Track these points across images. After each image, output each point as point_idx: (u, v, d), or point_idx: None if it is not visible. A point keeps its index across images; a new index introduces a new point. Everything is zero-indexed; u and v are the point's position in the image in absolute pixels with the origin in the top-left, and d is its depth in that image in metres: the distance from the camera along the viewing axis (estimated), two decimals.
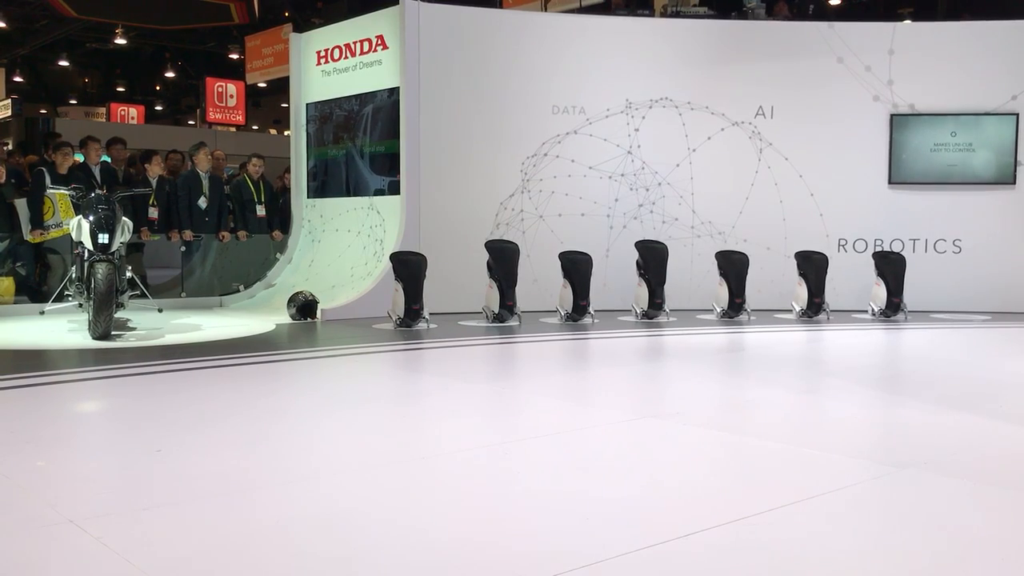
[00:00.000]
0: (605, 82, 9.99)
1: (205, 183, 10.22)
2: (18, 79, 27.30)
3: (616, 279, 9.76)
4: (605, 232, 10.03)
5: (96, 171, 9.52)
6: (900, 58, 10.13)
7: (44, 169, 9.32)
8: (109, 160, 10.27)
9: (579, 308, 8.87)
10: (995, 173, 10.17)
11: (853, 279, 10.01)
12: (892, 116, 10.17)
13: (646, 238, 9.65)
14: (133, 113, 27.00)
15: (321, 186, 10.72)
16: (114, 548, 2.69)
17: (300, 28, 13.68)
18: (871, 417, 4.95)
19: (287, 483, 3.44)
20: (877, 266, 9.61)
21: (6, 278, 9.22)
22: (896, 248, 10.15)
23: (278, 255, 10.78)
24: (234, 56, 23.86)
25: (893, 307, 9.45)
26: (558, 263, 9.01)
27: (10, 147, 15.71)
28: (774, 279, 10.02)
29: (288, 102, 11.20)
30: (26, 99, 25.43)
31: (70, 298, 8.23)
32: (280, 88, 20.26)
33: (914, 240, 10.27)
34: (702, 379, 6.08)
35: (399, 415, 4.97)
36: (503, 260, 8.78)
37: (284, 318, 8.85)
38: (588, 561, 2.63)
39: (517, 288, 8.82)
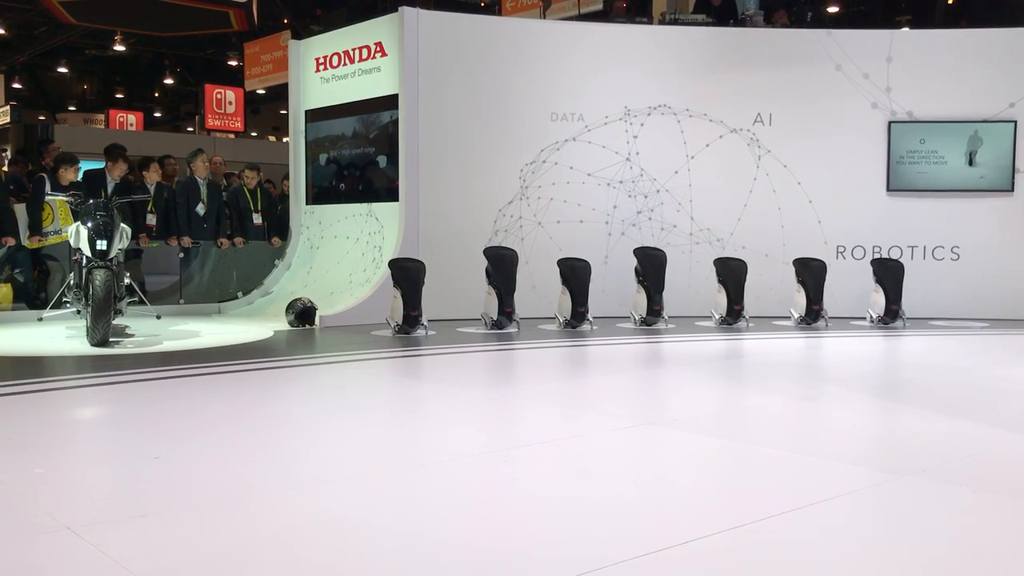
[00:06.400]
0: (604, 89, 10.00)
1: (203, 190, 10.23)
2: (17, 86, 27.34)
3: (615, 286, 9.76)
4: (604, 239, 10.03)
5: (111, 186, 9.44)
6: (898, 65, 10.15)
7: (45, 175, 9.32)
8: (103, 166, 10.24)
9: (578, 315, 8.87)
10: (993, 180, 10.18)
11: (851, 286, 10.01)
12: (890, 123, 10.19)
13: (645, 245, 9.66)
14: (132, 120, 27.02)
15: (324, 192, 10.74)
16: (112, 556, 2.69)
17: (299, 35, 13.72)
18: (870, 424, 4.95)
19: (285, 490, 3.43)
20: (875, 273, 9.62)
21: (4, 284, 9.21)
22: (894, 255, 10.16)
23: (277, 262, 10.78)
24: (233, 63, 23.90)
25: (891, 314, 9.45)
26: (557, 270, 9.01)
27: (9, 154, 15.72)
28: (772, 286, 10.02)
29: (287, 109, 11.21)
30: (25, 106, 25.45)
31: (68, 305, 8.22)
32: (279, 95, 20.29)
33: (912, 247, 10.27)
34: (701, 386, 6.07)
35: (398, 422, 4.97)
36: (502, 267, 8.79)
37: (282, 325, 8.84)
38: (587, 568, 2.62)
39: (516, 295, 8.83)
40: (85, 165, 10.40)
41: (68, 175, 9.21)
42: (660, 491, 3.52)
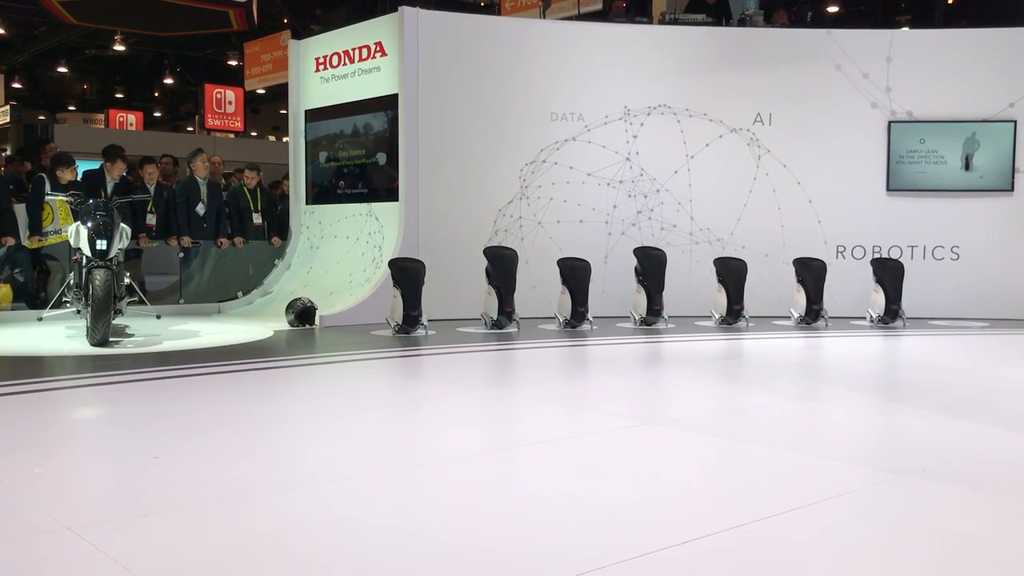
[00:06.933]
0: (603, 89, 10.00)
1: (203, 189, 10.22)
2: (17, 85, 27.34)
3: (615, 285, 9.76)
4: (604, 238, 10.03)
5: (110, 186, 9.43)
6: (898, 65, 10.15)
7: (44, 175, 9.32)
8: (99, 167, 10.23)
9: (578, 314, 8.87)
10: (993, 180, 10.18)
11: (851, 286, 10.01)
12: (890, 123, 10.19)
13: (645, 244, 9.66)
14: (132, 120, 27.01)
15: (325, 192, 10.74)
16: (112, 556, 2.69)
17: (299, 35, 13.70)
18: (869, 424, 4.95)
19: (285, 490, 3.43)
20: (875, 273, 9.62)
21: (4, 284, 9.21)
22: (894, 255, 10.16)
23: (276, 261, 10.78)
24: (233, 63, 23.90)
25: (891, 314, 9.45)
26: (557, 269, 9.01)
27: (8, 153, 15.73)
28: (772, 286, 10.02)
29: (287, 108, 11.22)
30: (25, 105, 25.44)
31: (68, 304, 8.22)
32: (279, 95, 20.27)
33: (912, 247, 10.28)
34: (701, 386, 6.07)
35: (397, 422, 4.97)
36: (502, 266, 8.79)
37: (282, 324, 8.84)
38: (587, 568, 2.63)
39: (516, 294, 8.83)
40: (85, 165, 10.40)
41: (66, 175, 9.20)
42: (660, 491, 3.52)
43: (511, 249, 9.08)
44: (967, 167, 10.12)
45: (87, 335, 7.20)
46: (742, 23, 10.67)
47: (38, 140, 16.61)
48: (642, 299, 9.22)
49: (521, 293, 8.96)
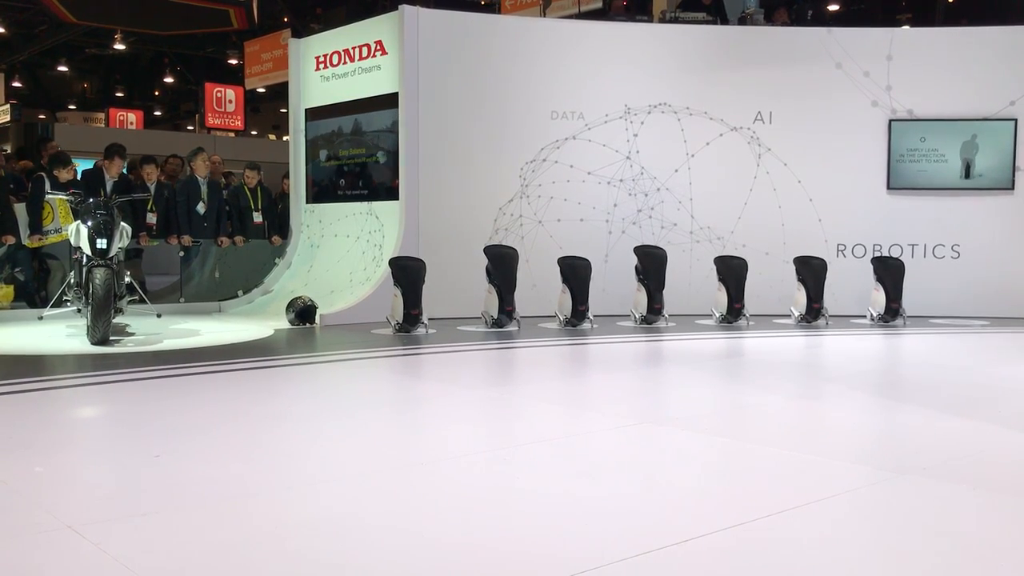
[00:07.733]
0: (604, 88, 10.00)
1: (204, 189, 10.23)
2: (17, 84, 27.34)
3: (615, 284, 9.76)
4: (604, 237, 10.03)
5: (109, 184, 9.43)
6: (898, 64, 10.14)
7: (44, 175, 9.32)
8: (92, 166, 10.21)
9: (578, 313, 8.87)
10: (994, 179, 10.18)
11: (852, 284, 10.01)
12: (891, 121, 10.19)
13: (645, 243, 9.65)
14: (132, 118, 27.01)
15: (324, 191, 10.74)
16: (113, 554, 2.69)
17: (299, 34, 13.69)
18: (870, 422, 4.95)
19: (285, 489, 3.43)
20: (876, 271, 9.62)
21: (5, 283, 9.21)
22: (895, 253, 10.15)
23: (277, 260, 10.78)
24: (233, 61, 23.90)
25: (892, 312, 9.45)
26: (557, 268, 9.01)
27: (8, 151, 15.73)
28: (773, 284, 10.02)
29: (287, 107, 11.21)
30: (25, 104, 25.45)
31: (69, 303, 8.22)
32: (279, 93, 20.27)
33: (913, 245, 10.27)
34: (701, 384, 6.07)
35: (397, 421, 4.97)
36: (502, 265, 8.79)
37: (283, 323, 8.84)
38: (587, 567, 2.63)
39: (516, 293, 8.82)
40: (85, 164, 10.40)
41: (64, 175, 9.20)
42: (660, 490, 3.52)
43: (511, 248, 9.08)
44: (967, 174, 10.10)
45: (87, 334, 7.20)
46: (743, 21, 10.66)
47: (38, 139, 16.61)
48: (642, 298, 9.22)
49: (521, 292, 8.96)
